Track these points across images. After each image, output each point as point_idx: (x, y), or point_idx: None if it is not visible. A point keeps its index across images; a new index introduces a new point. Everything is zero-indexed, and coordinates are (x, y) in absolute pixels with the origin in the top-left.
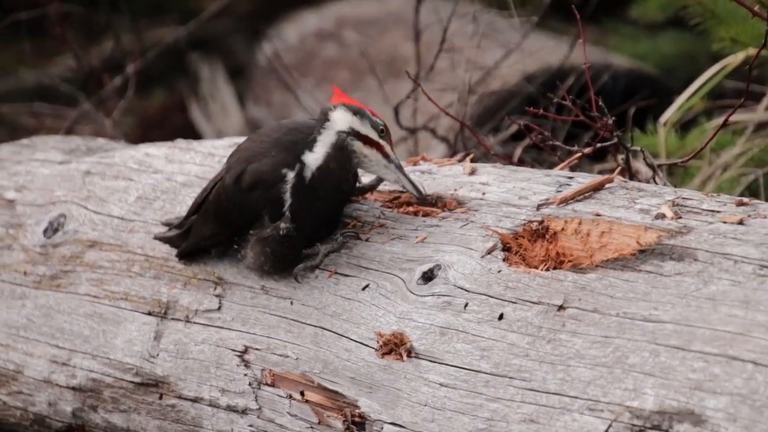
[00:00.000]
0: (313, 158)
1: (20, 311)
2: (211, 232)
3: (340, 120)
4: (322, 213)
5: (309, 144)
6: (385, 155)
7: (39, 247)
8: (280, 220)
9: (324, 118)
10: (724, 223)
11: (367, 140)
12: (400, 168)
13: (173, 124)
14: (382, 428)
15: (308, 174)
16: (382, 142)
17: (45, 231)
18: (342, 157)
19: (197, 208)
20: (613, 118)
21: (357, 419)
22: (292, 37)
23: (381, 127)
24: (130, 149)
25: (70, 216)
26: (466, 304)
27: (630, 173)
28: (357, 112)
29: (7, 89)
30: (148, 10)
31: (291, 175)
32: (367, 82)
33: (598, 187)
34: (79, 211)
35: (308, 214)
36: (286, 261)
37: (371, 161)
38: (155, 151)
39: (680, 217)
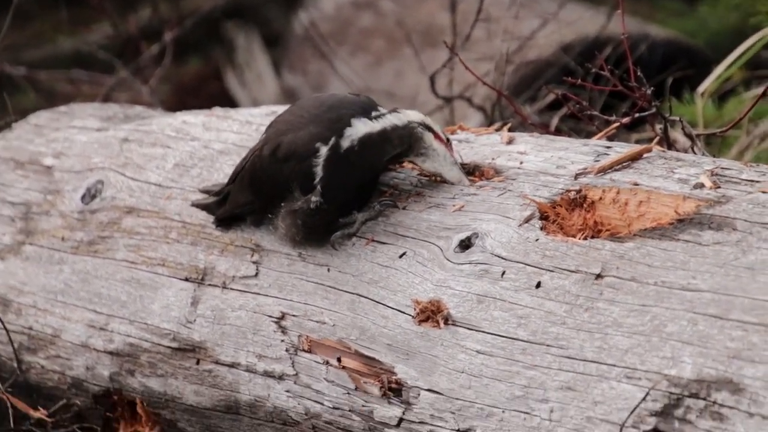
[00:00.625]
0: (363, 128)
1: (58, 276)
2: (245, 200)
3: (414, 114)
4: (354, 186)
5: (362, 115)
6: (453, 154)
7: (77, 213)
8: (311, 194)
9: (395, 109)
10: (764, 192)
11: (437, 136)
12: (462, 170)
13: (209, 92)
14: (418, 395)
15: (346, 144)
16: (449, 143)
17: (83, 197)
18: (393, 137)
19: (236, 176)
20: (652, 87)
21: (394, 385)
22: (328, 6)
23: (448, 137)
24: (167, 117)
25: (108, 182)
26: (504, 272)
27: (668, 143)
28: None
29: (44, 56)
30: None
31: (324, 150)
32: (403, 52)
33: (636, 157)
34: (117, 177)
35: (339, 187)
36: (317, 233)
37: (438, 155)
38: (192, 119)
39: (719, 187)
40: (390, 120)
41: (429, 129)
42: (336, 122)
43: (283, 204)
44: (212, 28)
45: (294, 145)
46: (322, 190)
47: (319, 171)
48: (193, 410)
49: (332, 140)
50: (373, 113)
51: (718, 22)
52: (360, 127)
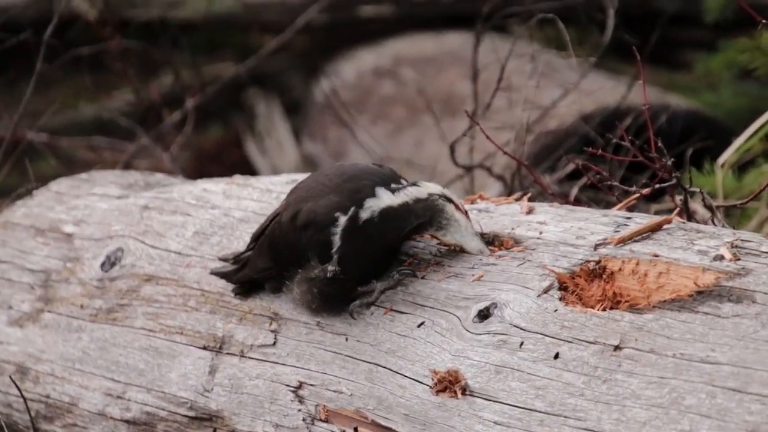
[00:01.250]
0: (385, 200)
1: (76, 344)
2: (264, 266)
3: (434, 187)
4: (371, 257)
5: (384, 186)
6: (473, 226)
7: (96, 281)
8: (328, 263)
9: (414, 183)
10: None
11: (458, 207)
12: (483, 240)
13: (229, 160)
14: None
15: (365, 215)
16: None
17: (102, 265)
18: (416, 209)
19: (254, 241)
20: (672, 159)
21: None
22: (348, 74)
23: (465, 208)
24: (187, 184)
25: (128, 250)
26: (522, 343)
27: (688, 214)
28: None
29: (65, 123)
30: (206, 46)
31: (343, 219)
32: (423, 120)
33: (656, 228)
34: (137, 245)
35: (357, 258)
36: (333, 301)
37: (460, 225)
38: (213, 187)
39: (739, 259)
40: (411, 193)
41: (449, 200)
42: (356, 192)
43: (300, 271)
44: (233, 95)
45: (313, 214)
46: (339, 259)
47: (336, 240)
48: None
49: (351, 210)
50: (393, 185)
51: (734, 99)
52: (382, 199)
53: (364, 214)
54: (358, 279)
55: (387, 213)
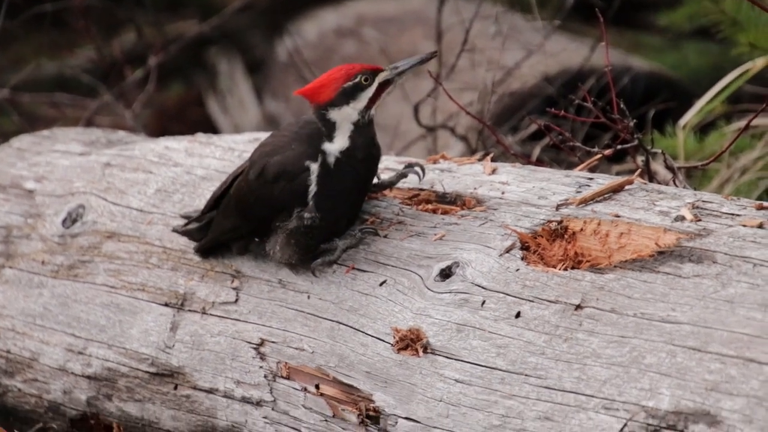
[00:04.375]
0: (338, 143)
1: (37, 300)
2: (232, 226)
3: (347, 112)
4: (344, 199)
5: (330, 132)
6: (386, 86)
7: (57, 237)
8: (304, 210)
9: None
10: (744, 226)
11: (373, 99)
12: (400, 72)
13: (191, 118)
14: (396, 423)
15: (332, 160)
16: (376, 83)
17: (64, 221)
18: (364, 135)
19: (215, 202)
20: (634, 120)
21: (371, 413)
22: (311, 34)
23: (363, 78)
24: (150, 142)
25: (89, 207)
26: (484, 302)
27: (649, 175)
28: (348, 95)
29: (27, 79)
30: (169, 4)
31: (315, 166)
32: None
33: (617, 189)
34: (98, 202)
35: (331, 200)
36: (308, 253)
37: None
38: (175, 145)
39: (700, 220)
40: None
41: (363, 112)
42: (314, 137)
43: (277, 224)
44: (196, 53)
45: (282, 165)
46: (315, 205)
47: (312, 187)
48: None
49: (320, 157)
50: None
51: (698, 56)
52: (334, 144)
53: (331, 158)
54: (334, 227)
55: (347, 150)
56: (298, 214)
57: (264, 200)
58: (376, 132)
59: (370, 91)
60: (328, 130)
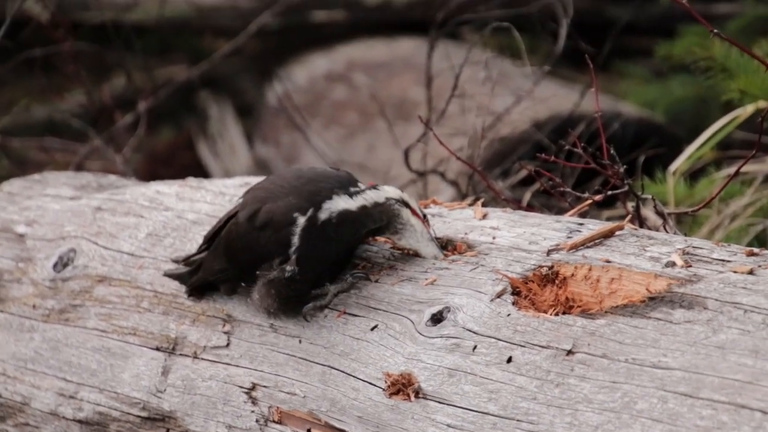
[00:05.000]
0: (342, 204)
1: (28, 344)
2: (220, 267)
3: (392, 191)
4: (329, 258)
5: (342, 190)
6: (429, 230)
7: (48, 281)
8: (286, 263)
9: (374, 186)
10: (735, 272)
11: (414, 212)
12: (438, 245)
13: (181, 162)
14: None
15: (323, 216)
16: (427, 220)
17: (55, 265)
18: (373, 213)
19: (208, 242)
20: (624, 166)
21: None
22: (301, 79)
23: (425, 213)
24: (140, 186)
25: (80, 251)
26: (475, 347)
27: (640, 221)
28: (405, 194)
29: (17, 124)
30: (158, 49)
31: (302, 220)
32: (376, 125)
33: (608, 234)
34: (89, 246)
35: (314, 259)
36: (291, 303)
37: (415, 231)
38: (166, 189)
39: (690, 266)
40: (369, 197)
41: (406, 205)
42: (315, 195)
43: (258, 273)
44: (186, 98)
45: (272, 214)
46: (297, 260)
47: (295, 240)
48: None
49: (310, 211)
50: (352, 189)
51: (682, 89)
52: (339, 203)
53: (323, 215)
54: (315, 281)
55: (345, 216)
56: (280, 266)
57: (251, 247)
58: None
59: (416, 206)
60: (346, 188)
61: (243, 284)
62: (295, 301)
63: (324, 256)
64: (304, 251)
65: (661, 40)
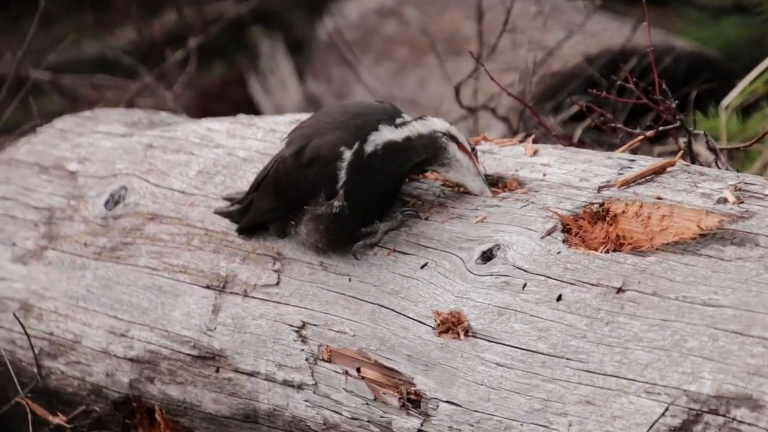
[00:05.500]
0: (388, 135)
1: (80, 282)
2: (269, 207)
3: (440, 124)
4: (376, 192)
5: (387, 122)
6: (476, 165)
7: (100, 219)
8: (334, 198)
9: (421, 117)
10: None
11: (461, 147)
12: (486, 181)
13: (232, 98)
14: (437, 406)
15: (369, 149)
16: (474, 154)
17: (106, 203)
18: (418, 145)
19: (258, 184)
20: (676, 101)
21: (413, 397)
22: (352, 14)
23: (473, 147)
24: (191, 123)
25: (131, 189)
26: (525, 285)
27: (691, 157)
28: (453, 127)
29: (68, 61)
30: None
31: (348, 153)
32: (427, 60)
33: (659, 171)
34: (140, 184)
35: (362, 192)
36: (339, 239)
37: (461, 165)
38: (217, 126)
39: (742, 202)
40: (415, 127)
41: (453, 139)
42: (361, 128)
43: (306, 208)
44: (237, 33)
45: (318, 149)
46: (345, 194)
47: (342, 175)
48: (211, 418)
49: (356, 145)
50: (398, 120)
51: (736, 29)
52: (385, 133)
53: (368, 148)
54: (364, 216)
55: (390, 147)
56: (327, 201)
57: (297, 183)
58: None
59: (464, 140)
60: (391, 117)
61: (292, 222)
62: (345, 237)
63: (371, 189)
64: (352, 185)
65: None
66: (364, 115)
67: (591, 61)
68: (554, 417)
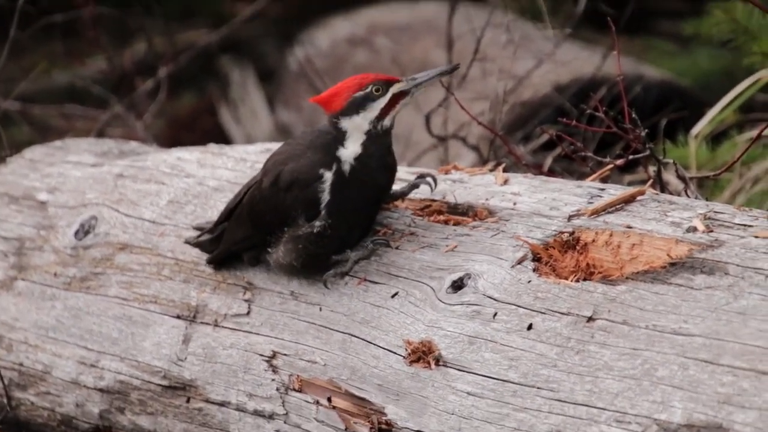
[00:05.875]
0: (351, 150)
1: (50, 312)
2: (244, 235)
3: (357, 122)
4: (357, 209)
5: (341, 140)
6: (401, 97)
7: (70, 249)
8: (316, 219)
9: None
10: (756, 237)
11: (385, 109)
12: (418, 84)
13: (203, 127)
14: None
15: (347, 168)
16: (389, 94)
17: (76, 233)
18: (378, 144)
19: (229, 213)
20: (646, 130)
21: (384, 426)
22: (323, 43)
23: (374, 89)
24: (162, 153)
25: (102, 218)
26: (495, 314)
27: (661, 185)
28: (358, 105)
29: (38, 90)
30: (180, 14)
31: (329, 174)
32: None
33: (629, 199)
34: (111, 213)
35: (344, 210)
36: (317, 260)
37: (399, 110)
38: (187, 156)
39: (712, 231)
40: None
41: (378, 120)
42: (329, 145)
43: (285, 229)
44: (207, 63)
45: (296, 173)
46: (328, 214)
47: (325, 196)
48: None
49: (334, 165)
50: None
51: (709, 61)
52: (349, 147)
53: (345, 167)
54: (343, 239)
55: (361, 158)
56: (308, 222)
57: (276, 208)
58: (392, 142)
59: (381, 102)
60: (341, 137)
61: (268, 249)
62: (322, 258)
63: (354, 203)
64: (335, 205)
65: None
66: (326, 132)
67: (561, 89)
68: None
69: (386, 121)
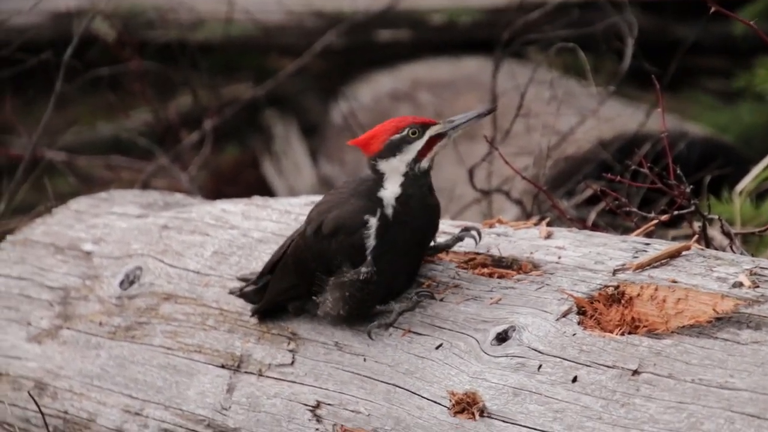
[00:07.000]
0: (391, 191)
1: (95, 361)
2: (289, 285)
3: (394, 164)
4: (402, 253)
5: (381, 183)
6: (438, 139)
7: (115, 299)
8: (362, 265)
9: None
10: None
11: (422, 151)
12: (455, 126)
13: (246, 180)
14: None
15: (389, 211)
16: (426, 137)
17: (121, 283)
18: (417, 185)
19: (274, 265)
20: (690, 186)
21: None
22: (366, 97)
23: (411, 131)
24: (206, 205)
25: (147, 269)
26: (540, 366)
27: (706, 241)
28: (395, 147)
29: (83, 142)
30: (224, 68)
31: (373, 221)
32: None
33: (674, 254)
34: (156, 264)
35: (389, 254)
36: (363, 309)
37: (437, 152)
38: (232, 207)
39: (758, 286)
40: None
41: (416, 159)
42: (371, 190)
43: (330, 279)
44: (251, 116)
45: (341, 219)
46: (374, 260)
47: (371, 241)
48: None
49: (378, 211)
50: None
51: (751, 116)
52: (388, 188)
53: (389, 210)
54: (388, 286)
55: (401, 199)
56: (354, 269)
57: (321, 255)
58: (432, 185)
59: (418, 144)
60: (380, 180)
61: (313, 298)
62: (367, 306)
63: (400, 248)
64: (380, 250)
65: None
66: (367, 179)
67: (605, 145)
68: None
69: (424, 163)
